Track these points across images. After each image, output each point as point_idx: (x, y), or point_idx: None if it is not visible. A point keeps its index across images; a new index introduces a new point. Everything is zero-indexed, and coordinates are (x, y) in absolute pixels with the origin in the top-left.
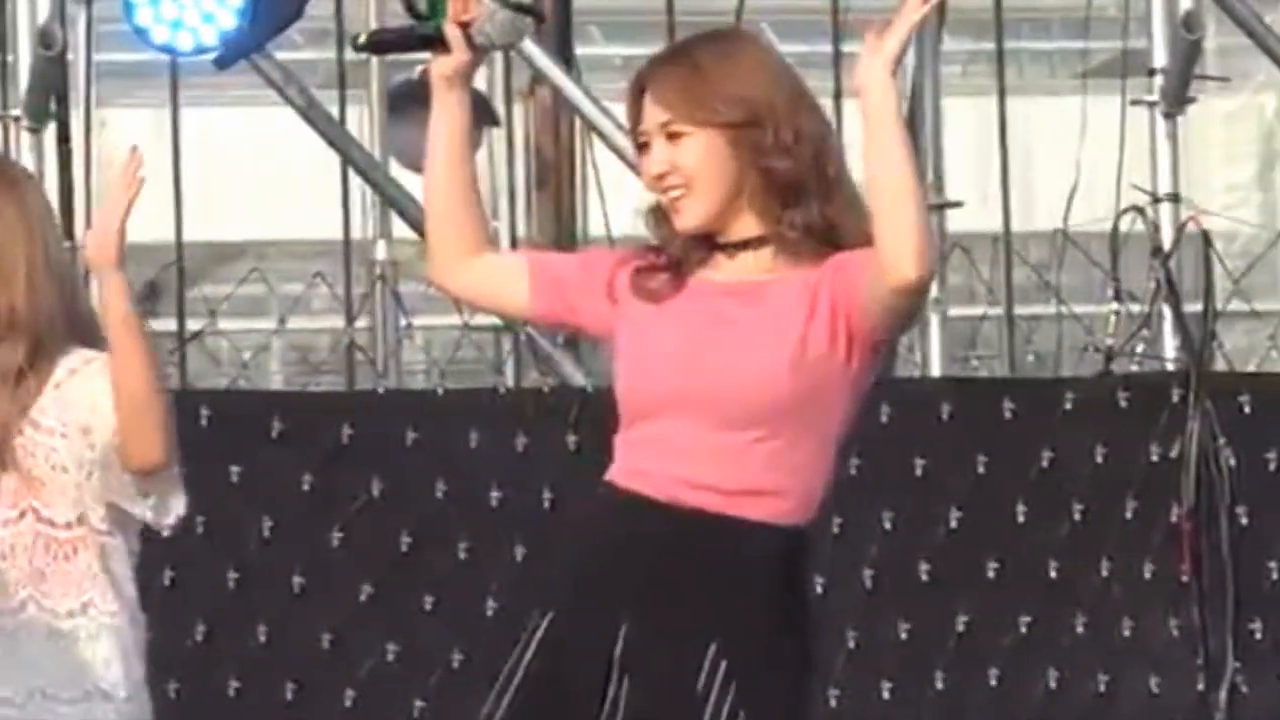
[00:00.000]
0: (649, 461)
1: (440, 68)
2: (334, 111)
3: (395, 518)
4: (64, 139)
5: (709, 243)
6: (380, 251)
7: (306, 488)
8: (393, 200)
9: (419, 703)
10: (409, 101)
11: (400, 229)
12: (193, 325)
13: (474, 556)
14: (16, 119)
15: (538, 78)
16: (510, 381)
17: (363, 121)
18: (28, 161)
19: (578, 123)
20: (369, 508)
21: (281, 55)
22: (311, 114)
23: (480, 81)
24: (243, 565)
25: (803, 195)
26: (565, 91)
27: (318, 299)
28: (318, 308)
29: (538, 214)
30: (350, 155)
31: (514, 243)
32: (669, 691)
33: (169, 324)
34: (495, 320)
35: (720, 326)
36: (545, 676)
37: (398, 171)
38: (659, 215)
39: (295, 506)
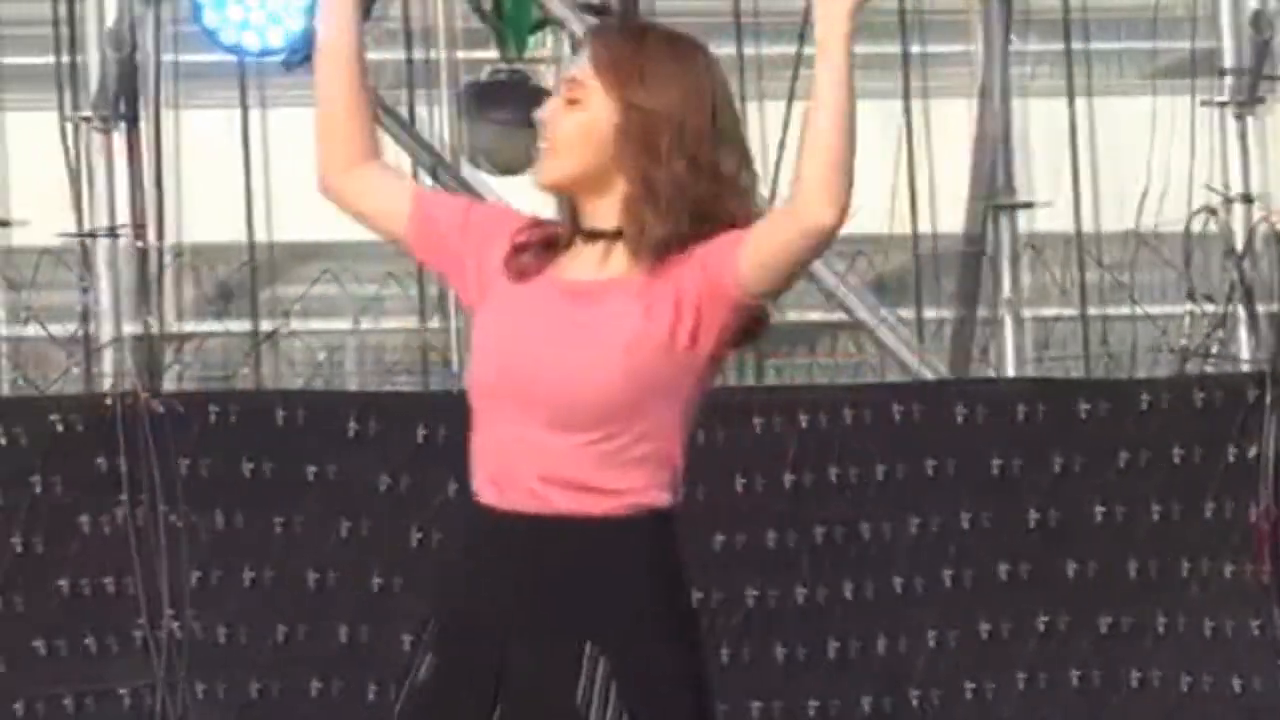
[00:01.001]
0: (499, 466)
1: None
2: (404, 112)
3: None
4: (135, 140)
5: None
6: None
7: (384, 489)
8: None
9: None
10: (482, 102)
11: None
12: (266, 326)
13: None
14: (87, 120)
15: None
16: None
17: (433, 122)
18: (98, 162)
19: None
20: (446, 508)
21: None
22: (381, 115)
23: (549, 81)
24: (322, 566)
25: (677, 215)
26: None
27: (391, 300)
28: (391, 308)
29: None
30: (420, 156)
31: None
32: (550, 703)
33: (243, 324)
34: None
35: (563, 329)
36: (434, 710)
37: (469, 172)
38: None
39: (373, 508)
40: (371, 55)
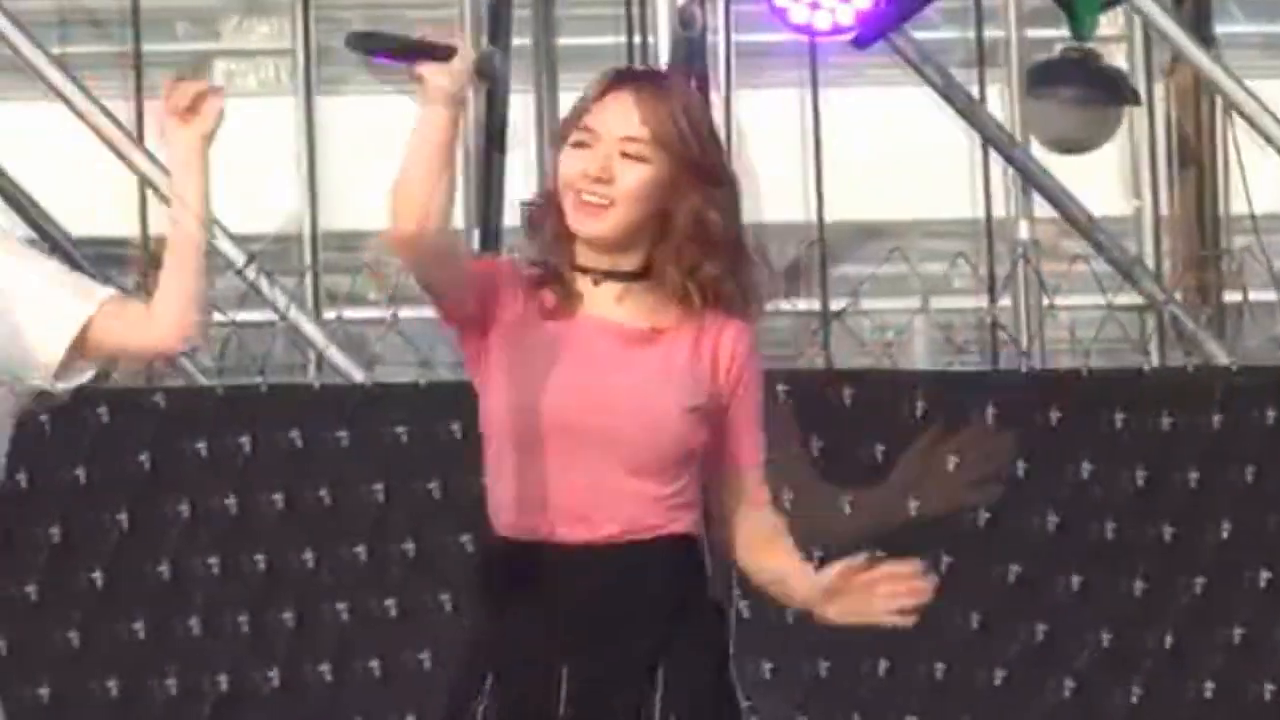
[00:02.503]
0: (573, 502)
1: (444, 81)
2: (973, 90)
3: (1041, 498)
4: None
5: (589, 271)
6: (1022, 230)
7: (950, 467)
8: (1033, 179)
9: (1069, 683)
10: (1049, 80)
11: (1042, 207)
12: (836, 304)
13: (1120, 536)
14: None
15: (1177, 56)
16: (1155, 360)
17: (1002, 100)
18: None
19: (1218, 100)
20: (1014, 489)
21: (919, 34)
22: (950, 93)
23: (1120, 59)
24: (887, 545)
25: (723, 253)
26: (1205, 70)
27: (959, 278)
28: (959, 287)
29: (1179, 192)
30: (989, 134)
31: (1156, 223)
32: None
33: (812, 303)
34: (1139, 299)
35: (630, 371)
36: None
37: (1038, 150)
38: (541, 222)
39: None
40: (938, 34)
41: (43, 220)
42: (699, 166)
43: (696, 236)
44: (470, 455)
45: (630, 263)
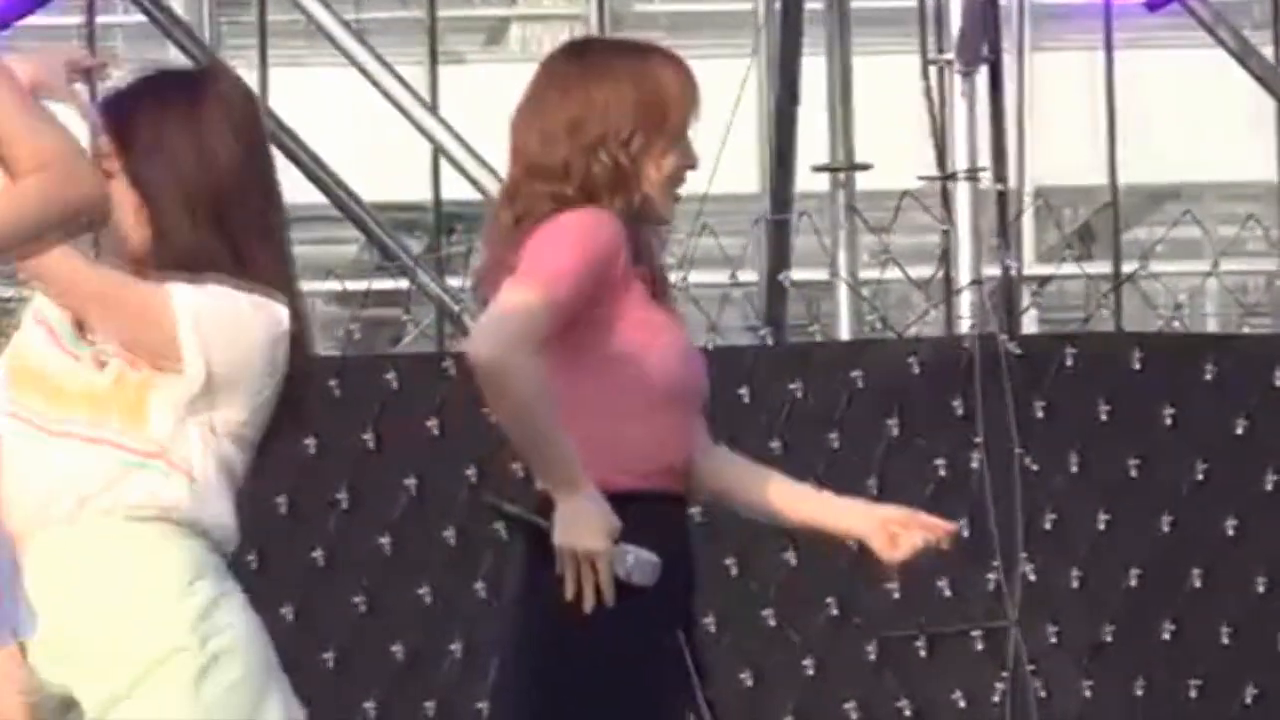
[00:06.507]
0: (681, 457)
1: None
2: (1267, 52)
3: None
4: (995, 82)
5: None
6: None
7: (1240, 431)
8: None
9: None
10: None
11: None
12: (1127, 267)
13: None
14: (949, 62)
15: None
16: None
17: None
18: (959, 106)
19: None
20: None
21: None
22: (1244, 55)
23: None
24: (1175, 509)
25: None
26: None
27: (1252, 241)
28: (1252, 249)
29: None
30: None
31: None
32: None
33: (1104, 266)
34: None
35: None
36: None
37: None
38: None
39: (1227, 450)
40: None
41: (336, 186)
42: None
43: None
44: (748, 417)
45: None
